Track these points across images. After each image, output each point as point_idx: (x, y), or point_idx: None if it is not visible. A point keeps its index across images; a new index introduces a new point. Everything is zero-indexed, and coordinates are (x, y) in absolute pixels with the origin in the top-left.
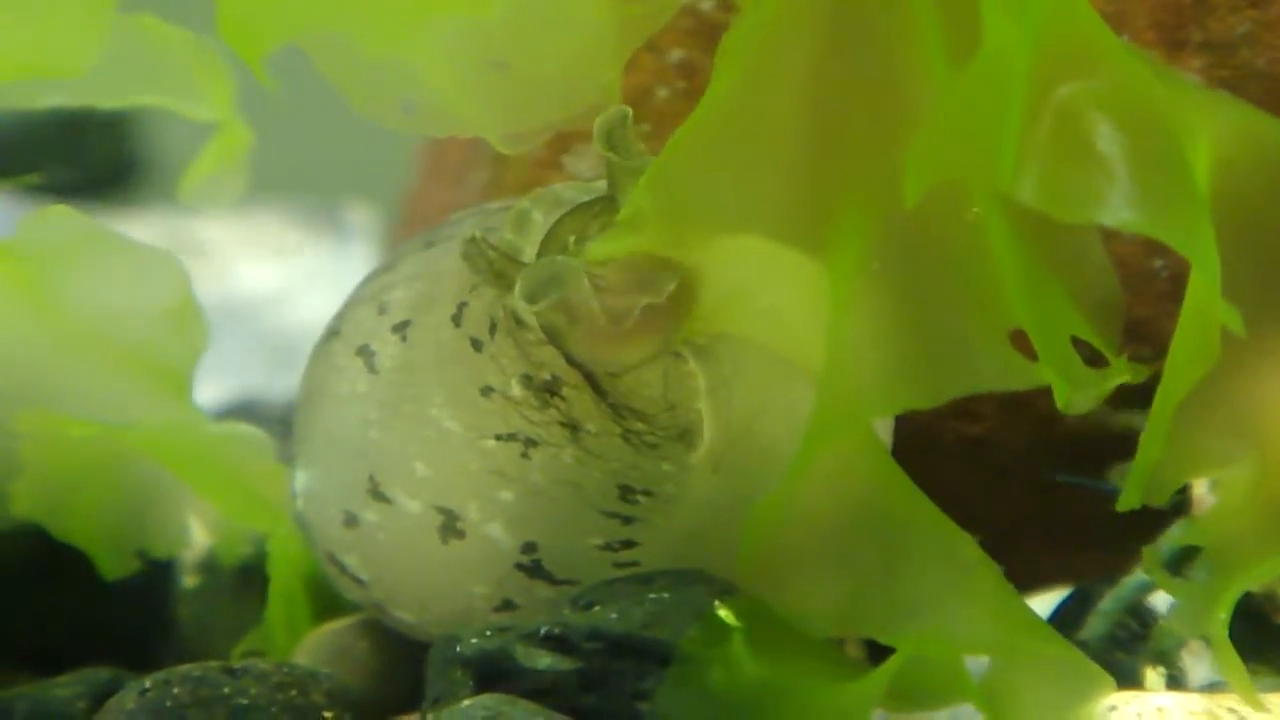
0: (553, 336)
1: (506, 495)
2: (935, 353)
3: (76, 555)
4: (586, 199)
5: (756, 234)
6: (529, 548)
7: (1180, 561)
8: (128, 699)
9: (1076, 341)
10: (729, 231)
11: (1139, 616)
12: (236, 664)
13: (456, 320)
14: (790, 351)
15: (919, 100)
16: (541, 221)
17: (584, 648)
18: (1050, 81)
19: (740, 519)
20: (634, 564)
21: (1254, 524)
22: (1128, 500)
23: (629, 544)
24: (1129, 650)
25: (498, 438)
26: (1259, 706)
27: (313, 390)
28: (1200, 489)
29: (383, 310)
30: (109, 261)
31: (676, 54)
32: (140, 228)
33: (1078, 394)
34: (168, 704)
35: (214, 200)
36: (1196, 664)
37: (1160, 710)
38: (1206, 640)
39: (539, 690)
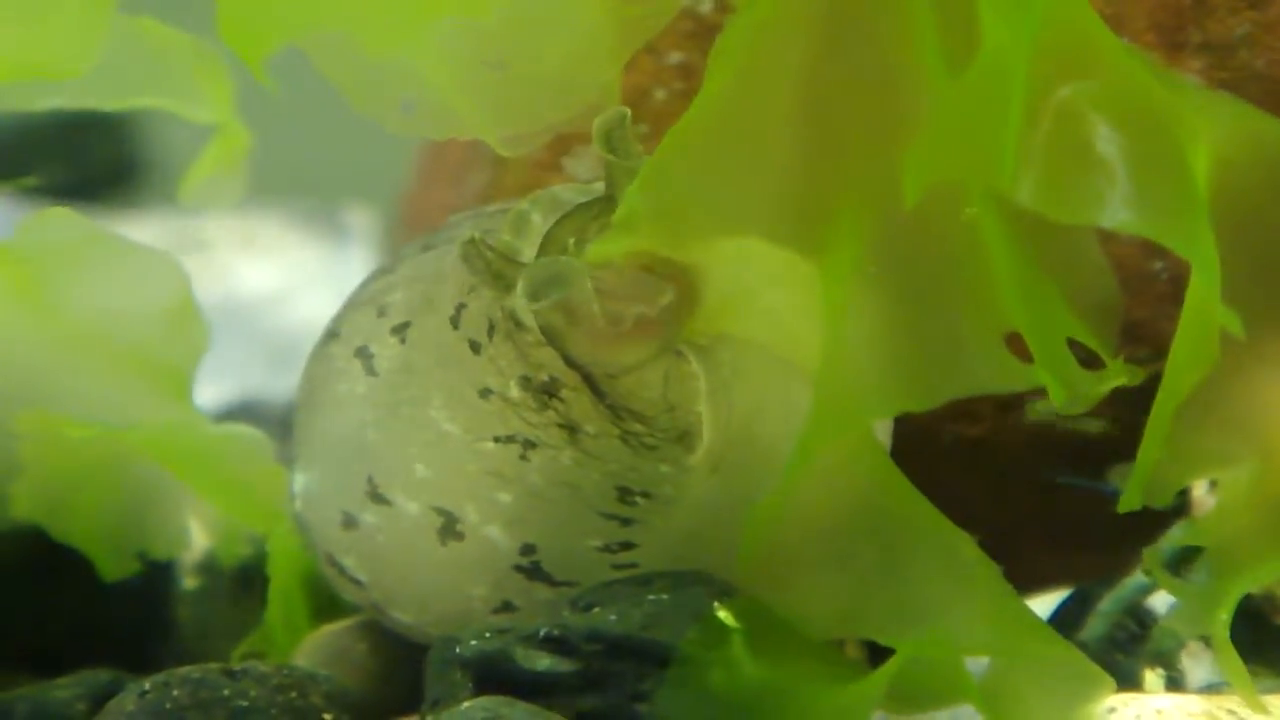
0: (552, 337)
1: (505, 497)
2: (930, 354)
3: (76, 556)
4: (585, 200)
5: (752, 235)
6: (528, 549)
7: (1180, 562)
8: (127, 701)
9: (1076, 343)
10: (724, 232)
11: (1138, 618)
12: (236, 666)
13: (455, 322)
14: (788, 352)
15: (916, 101)
16: (540, 223)
17: (583, 649)
18: (1049, 82)
19: (739, 520)
20: (633, 565)
21: (1254, 525)
22: (1129, 501)
23: (628, 545)
24: (1128, 652)
25: (496, 439)
26: (1259, 708)
27: (312, 392)
28: (1199, 490)
29: (382, 312)
30: (109, 263)
31: (675, 56)
32: (140, 229)
33: (1073, 396)
34: (167, 706)
35: (213, 202)
36: (1196, 666)
37: (1159, 712)
38: (1206, 641)
39: (538, 692)
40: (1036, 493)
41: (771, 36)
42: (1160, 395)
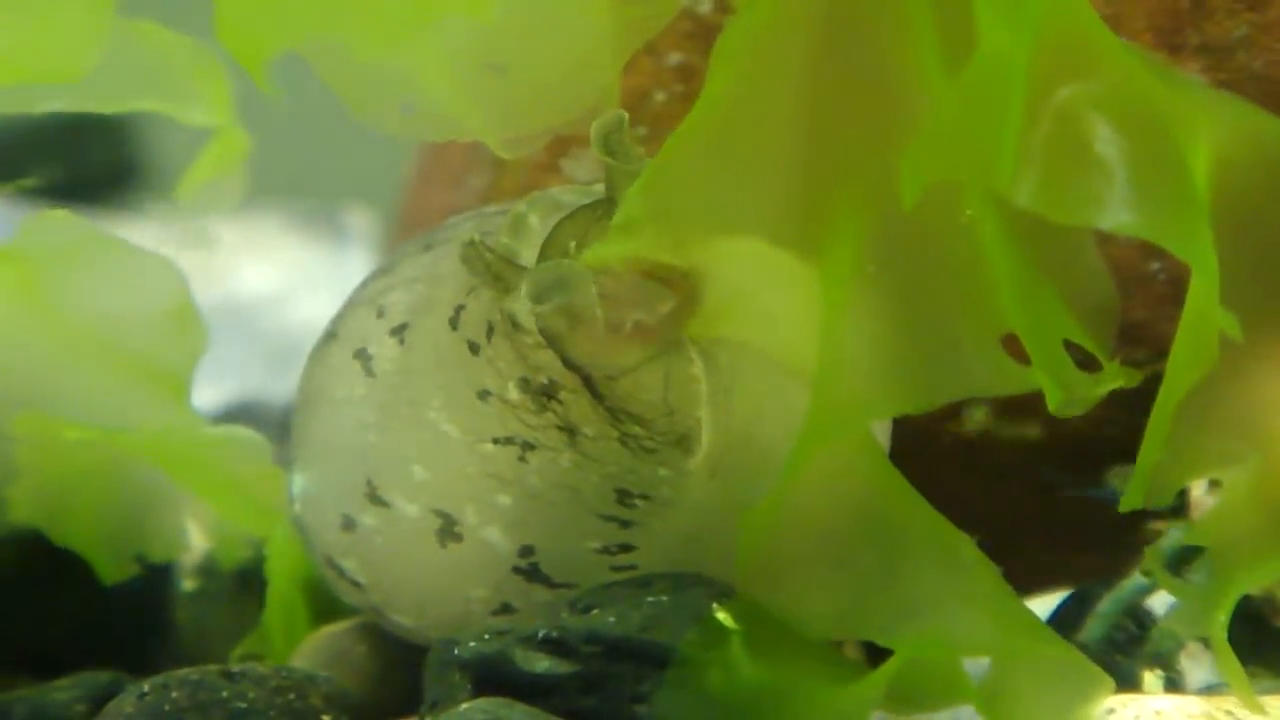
0: (552, 340)
1: (504, 499)
2: (928, 356)
3: (75, 559)
4: (585, 202)
5: (751, 237)
6: (527, 551)
7: (1179, 563)
8: (126, 703)
9: (1073, 345)
10: (723, 235)
11: (1137, 619)
12: (235, 668)
13: (454, 323)
14: (787, 355)
15: (914, 102)
16: (538, 225)
17: (582, 651)
18: (1048, 83)
19: (737, 524)
20: (632, 568)
21: (1255, 525)
22: (1130, 501)
23: (627, 548)
24: (1127, 653)
25: (495, 441)
26: (1257, 709)
27: (310, 393)
28: (1198, 490)
29: (381, 313)
30: (107, 265)
31: (674, 57)
32: (139, 231)
33: (1070, 397)
34: (166, 708)
35: (212, 205)
36: (1194, 667)
37: (1158, 713)
38: (1205, 642)
39: (537, 693)
40: (1035, 493)
41: (770, 38)
42: (1160, 396)
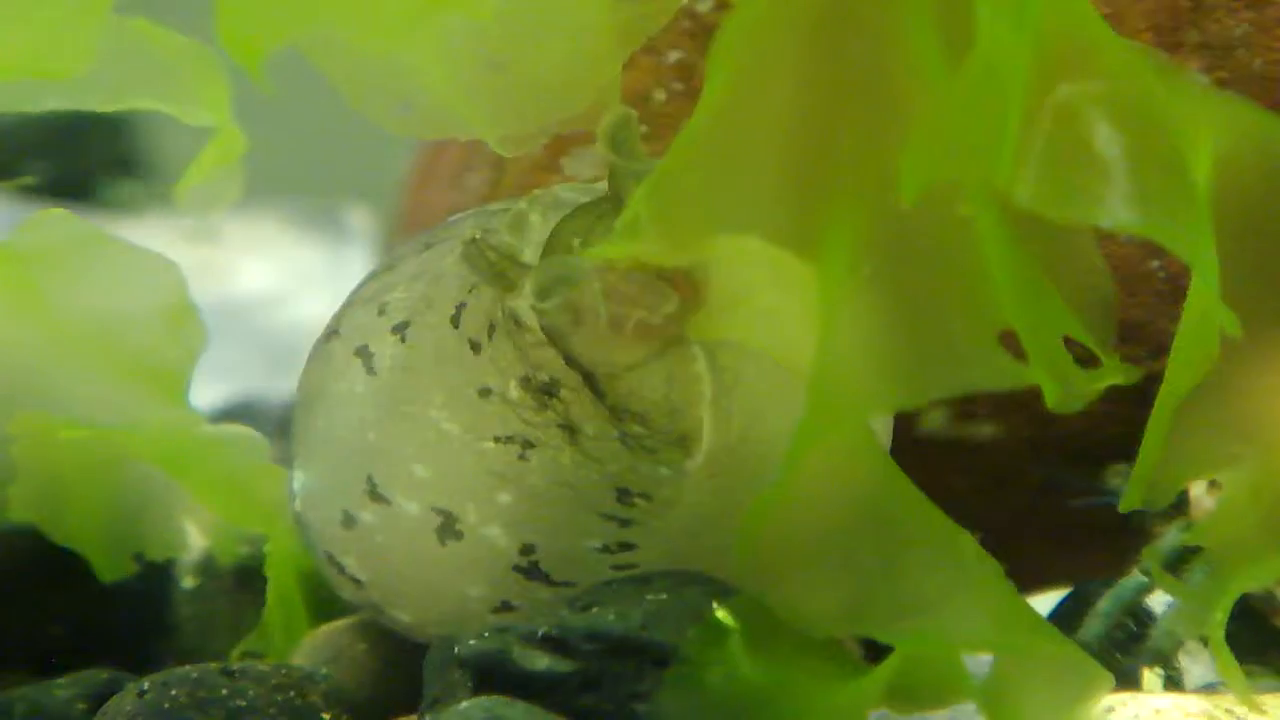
0: (554, 337)
1: (505, 497)
2: (925, 352)
3: (74, 557)
4: (587, 200)
5: (751, 235)
6: (527, 549)
7: (1179, 562)
8: (126, 701)
9: (1072, 342)
10: (724, 234)
11: (1137, 617)
12: (235, 665)
13: (455, 321)
14: (788, 355)
15: (913, 100)
16: (539, 223)
17: (582, 649)
18: (1048, 81)
19: (737, 523)
20: (632, 566)
21: (1255, 525)
22: (1130, 501)
23: (627, 546)
24: (1127, 651)
25: (496, 439)
26: (1256, 708)
27: (311, 391)
28: (1197, 490)
29: (382, 311)
30: (106, 264)
31: (674, 55)
32: (138, 230)
33: (1068, 394)
34: (166, 705)
35: (211, 204)
36: (1194, 665)
37: (1158, 712)
38: (1205, 641)
39: (537, 691)
40: (1034, 492)
41: (767, 37)
42: (1160, 395)
